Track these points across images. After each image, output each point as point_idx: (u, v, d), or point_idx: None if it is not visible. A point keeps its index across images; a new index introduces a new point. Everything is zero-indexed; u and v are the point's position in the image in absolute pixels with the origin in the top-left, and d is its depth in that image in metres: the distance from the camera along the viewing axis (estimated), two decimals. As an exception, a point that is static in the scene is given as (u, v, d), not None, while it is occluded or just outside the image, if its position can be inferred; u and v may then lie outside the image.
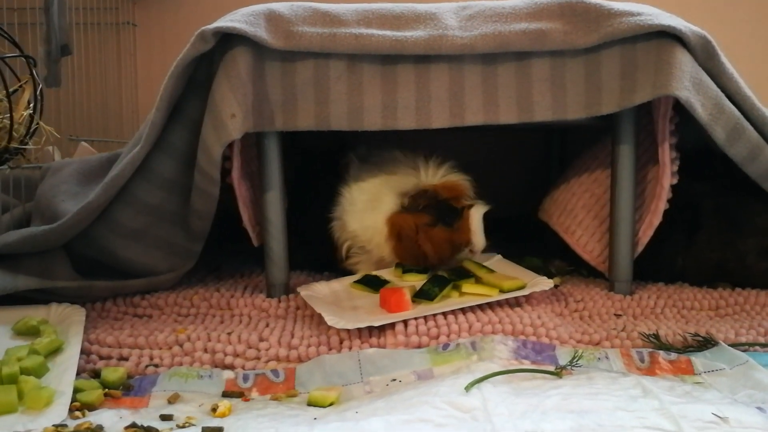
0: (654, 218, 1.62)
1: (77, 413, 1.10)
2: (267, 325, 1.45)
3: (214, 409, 1.12)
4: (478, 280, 1.57)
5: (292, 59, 1.53)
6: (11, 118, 1.61)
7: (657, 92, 1.49)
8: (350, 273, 1.74)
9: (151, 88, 2.55)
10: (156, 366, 1.30)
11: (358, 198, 1.71)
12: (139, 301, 1.61)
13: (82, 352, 1.31)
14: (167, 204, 1.63)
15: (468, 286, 1.53)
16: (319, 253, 1.83)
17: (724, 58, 1.55)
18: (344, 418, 1.05)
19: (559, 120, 1.57)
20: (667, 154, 1.59)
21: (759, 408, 1.05)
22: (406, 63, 1.54)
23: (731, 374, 1.22)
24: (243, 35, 1.47)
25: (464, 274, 1.59)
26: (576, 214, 1.80)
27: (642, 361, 1.28)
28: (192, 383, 1.23)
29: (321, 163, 1.93)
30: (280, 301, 1.60)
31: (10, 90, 1.66)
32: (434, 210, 1.63)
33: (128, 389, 1.22)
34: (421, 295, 1.49)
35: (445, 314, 1.42)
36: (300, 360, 1.32)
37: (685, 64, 1.50)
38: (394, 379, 1.23)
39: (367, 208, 1.69)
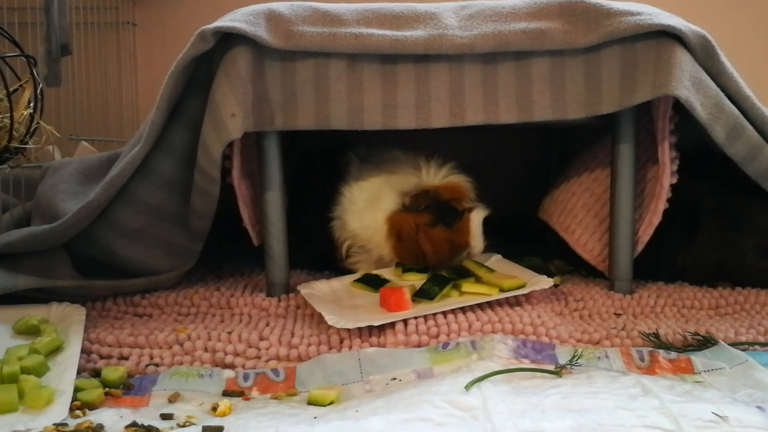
0: (654, 217, 1.62)
1: (78, 412, 1.10)
2: (267, 324, 1.45)
3: (214, 408, 1.12)
4: (478, 280, 1.57)
5: (292, 59, 1.53)
6: (11, 117, 1.61)
7: (657, 92, 1.49)
8: (350, 272, 1.74)
9: (151, 88, 2.55)
10: (156, 365, 1.30)
11: (359, 197, 1.71)
12: (140, 301, 1.61)
13: (83, 351, 1.31)
14: (167, 203, 1.63)
15: (468, 286, 1.53)
16: (319, 252, 1.83)
17: (723, 58, 1.55)
18: (344, 417, 1.05)
19: (559, 119, 1.57)
20: (666, 154, 1.59)
21: (759, 407, 1.05)
22: (406, 62, 1.54)
23: (731, 373, 1.22)
24: (243, 35, 1.47)
25: (464, 273, 1.59)
26: (576, 213, 1.80)
27: (642, 360, 1.28)
28: (192, 382, 1.23)
29: (321, 163, 1.93)
30: (280, 300, 1.60)
31: (11, 89, 1.66)
32: (435, 210, 1.64)
33: (129, 388, 1.22)
34: (421, 294, 1.49)
35: (445, 313, 1.42)
36: (300, 359, 1.32)
37: (684, 64, 1.50)
38: (394, 378, 1.23)
39: (368, 207, 1.69)
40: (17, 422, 1.06)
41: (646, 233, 1.64)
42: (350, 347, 1.33)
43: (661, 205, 1.61)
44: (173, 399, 1.18)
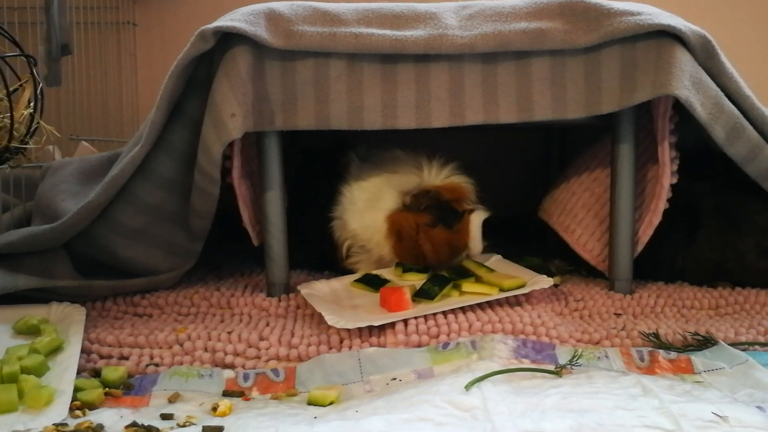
0: (654, 217, 1.62)
1: (78, 412, 1.10)
2: (267, 324, 1.45)
3: (214, 408, 1.11)
4: (478, 279, 1.57)
5: (292, 58, 1.53)
6: (11, 117, 1.61)
7: (657, 91, 1.49)
8: (350, 272, 1.74)
9: (151, 88, 2.56)
10: (156, 365, 1.30)
11: (359, 197, 1.71)
12: (140, 301, 1.61)
13: (83, 351, 1.31)
14: (167, 203, 1.63)
15: (468, 285, 1.53)
16: (319, 252, 1.83)
17: (723, 58, 1.55)
18: (344, 417, 1.05)
19: (559, 119, 1.57)
20: (666, 154, 1.59)
21: (759, 407, 1.05)
22: (406, 62, 1.54)
23: (731, 373, 1.22)
24: (243, 34, 1.47)
25: (464, 273, 1.59)
26: (576, 213, 1.80)
27: (642, 360, 1.28)
28: (192, 382, 1.23)
29: (321, 163, 1.93)
30: (280, 300, 1.60)
31: (11, 89, 1.66)
32: (435, 210, 1.64)
33: (129, 388, 1.22)
34: (421, 294, 1.49)
35: (445, 313, 1.42)
36: (300, 359, 1.32)
37: (684, 64, 1.50)
38: (394, 378, 1.23)
39: (368, 207, 1.69)
40: (17, 422, 1.06)
41: (646, 233, 1.64)
42: (350, 347, 1.33)
43: (661, 205, 1.61)
44: (173, 399, 1.18)
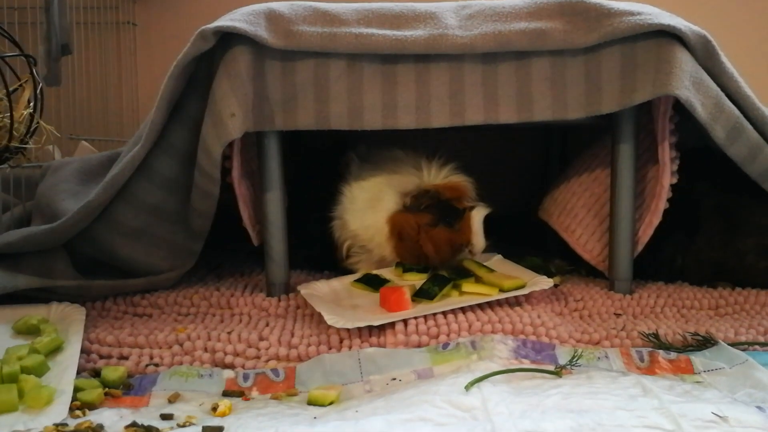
0: (654, 217, 1.62)
1: (77, 412, 1.10)
2: (267, 324, 1.45)
3: (214, 408, 1.12)
4: (478, 280, 1.57)
5: (292, 58, 1.53)
6: (11, 117, 1.61)
7: (657, 91, 1.49)
8: (350, 272, 1.74)
9: (151, 88, 2.56)
10: (156, 365, 1.30)
11: (359, 197, 1.71)
12: (140, 300, 1.61)
13: (83, 351, 1.31)
14: (167, 203, 1.63)
15: (468, 286, 1.53)
16: (319, 252, 1.83)
17: (724, 58, 1.55)
18: (344, 417, 1.05)
19: (559, 119, 1.57)
20: (667, 153, 1.59)
21: (758, 407, 1.05)
22: (406, 62, 1.54)
23: (731, 373, 1.22)
24: (243, 34, 1.47)
25: (464, 274, 1.59)
26: (576, 213, 1.80)
27: (642, 360, 1.28)
28: (192, 382, 1.23)
29: (321, 163, 1.93)
30: (280, 300, 1.60)
31: (11, 89, 1.66)
32: (436, 210, 1.64)
33: (128, 388, 1.22)
34: (421, 294, 1.49)
35: (445, 313, 1.42)
36: (300, 359, 1.32)
37: (685, 64, 1.50)
38: (394, 378, 1.23)
39: (368, 207, 1.69)
40: (17, 422, 1.06)
41: (646, 233, 1.64)
42: (350, 347, 1.33)
43: (661, 205, 1.61)
44: (173, 399, 1.18)
